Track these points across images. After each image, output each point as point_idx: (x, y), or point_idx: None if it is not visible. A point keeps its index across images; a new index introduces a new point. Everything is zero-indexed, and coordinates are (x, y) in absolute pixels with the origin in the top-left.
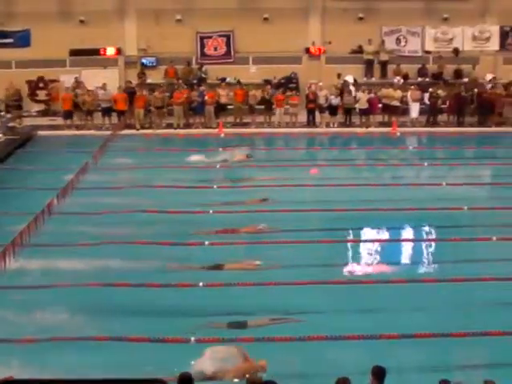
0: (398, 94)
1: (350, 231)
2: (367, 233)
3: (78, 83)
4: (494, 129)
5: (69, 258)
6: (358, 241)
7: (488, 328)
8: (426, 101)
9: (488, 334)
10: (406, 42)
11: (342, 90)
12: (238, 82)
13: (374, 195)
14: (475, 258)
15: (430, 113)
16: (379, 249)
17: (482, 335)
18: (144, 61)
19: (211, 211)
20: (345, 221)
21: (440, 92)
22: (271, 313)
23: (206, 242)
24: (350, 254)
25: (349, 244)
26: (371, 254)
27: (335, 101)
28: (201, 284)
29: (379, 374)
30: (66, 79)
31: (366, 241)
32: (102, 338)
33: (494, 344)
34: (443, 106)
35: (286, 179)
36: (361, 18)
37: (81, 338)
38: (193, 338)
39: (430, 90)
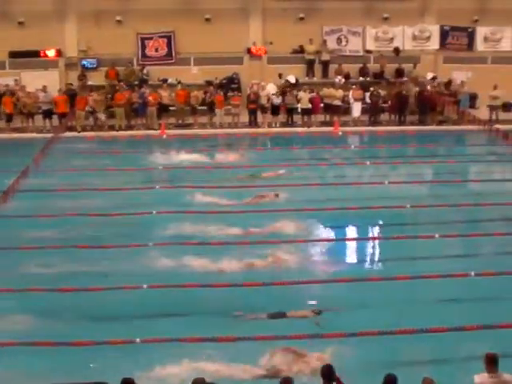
0: (340, 93)
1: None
2: (310, 232)
3: (19, 86)
4: (434, 127)
5: (10, 262)
6: (301, 240)
7: (431, 325)
8: (368, 100)
9: (432, 330)
10: (347, 41)
11: (285, 90)
12: (179, 83)
13: (316, 195)
14: (418, 255)
15: (372, 112)
16: (323, 248)
17: (425, 332)
18: (84, 62)
19: (154, 212)
20: None
21: (381, 91)
22: None
23: (150, 244)
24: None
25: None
26: (314, 253)
27: (277, 100)
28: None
29: (327, 374)
30: (5, 82)
31: (309, 240)
32: (48, 344)
33: (436, 340)
34: (384, 105)
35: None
36: (301, 18)
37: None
38: (138, 339)
39: (372, 89)
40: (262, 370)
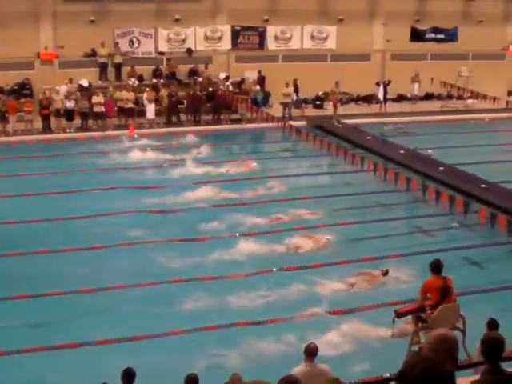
0: (132, 95)
1: None
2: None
3: None
4: (229, 126)
5: None
6: None
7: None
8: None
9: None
10: (139, 43)
11: (82, 94)
12: None
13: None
14: None
15: (170, 113)
16: None
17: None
18: None
19: None
20: None
21: (173, 93)
22: None
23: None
24: None
25: None
26: None
27: (70, 104)
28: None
29: (127, 376)
30: None
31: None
32: None
33: None
34: (181, 106)
35: None
36: (92, 21)
37: None
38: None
39: (169, 90)
40: None
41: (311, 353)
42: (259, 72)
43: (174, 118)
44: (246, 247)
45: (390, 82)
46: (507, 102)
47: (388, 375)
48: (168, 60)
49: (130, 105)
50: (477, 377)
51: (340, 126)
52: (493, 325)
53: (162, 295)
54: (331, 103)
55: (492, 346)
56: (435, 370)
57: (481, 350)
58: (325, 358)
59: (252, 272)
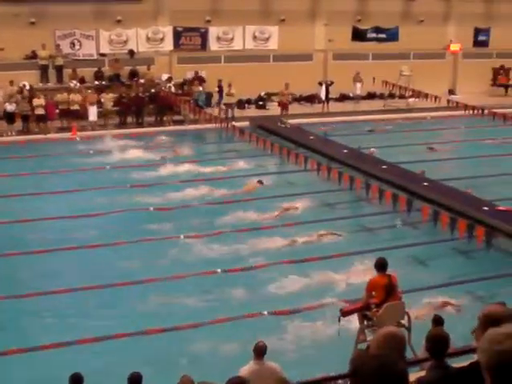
0: (77, 97)
1: None
2: None
3: None
4: (173, 127)
5: None
6: None
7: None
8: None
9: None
10: (80, 45)
11: (23, 97)
12: None
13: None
14: None
15: (121, 114)
16: None
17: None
18: None
19: None
20: None
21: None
22: None
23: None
24: None
25: None
26: None
27: (11, 108)
28: None
29: (74, 380)
30: None
31: None
32: None
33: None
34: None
35: None
36: (33, 23)
37: None
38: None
39: (119, 92)
40: None
41: (260, 351)
42: (196, 72)
43: (122, 120)
44: (191, 249)
45: (332, 83)
46: (448, 101)
47: (333, 374)
48: (115, 61)
49: (75, 107)
50: (423, 373)
51: (283, 126)
52: (437, 321)
53: (112, 297)
54: (279, 105)
55: (437, 343)
56: (389, 369)
57: (426, 346)
58: (275, 357)
59: (201, 272)
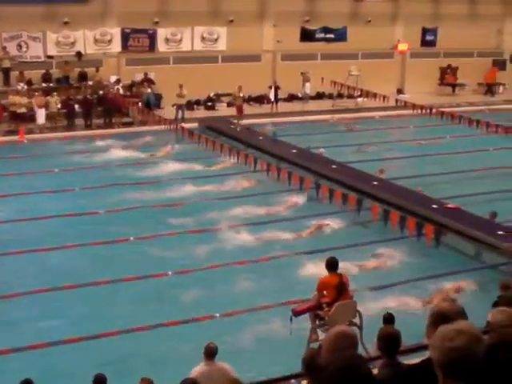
0: (25, 100)
1: None
2: None
3: None
4: (121, 129)
5: None
6: None
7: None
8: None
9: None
10: (27, 47)
11: None
12: None
13: None
14: None
15: (68, 117)
16: None
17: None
18: None
19: None
20: None
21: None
22: None
23: None
24: None
25: None
26: None
27: None
28: None
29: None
30: None
31: None
32: None
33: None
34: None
35: None
36: None
37: None
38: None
39: (67, 95)
40: None
41: (210, 353)
42: (145, 74)
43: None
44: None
45: (279, 88)
46: (396, 100)
47: (288, 374)
48: (65, 63)
49: (23, 110)
50: (375, 371)
51: (233, 126)
52: (388, 319)
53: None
54: (236, 109)
55: (388, 341)
56: (354, 371)
57: (377, 344)
58: (228, 357)
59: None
